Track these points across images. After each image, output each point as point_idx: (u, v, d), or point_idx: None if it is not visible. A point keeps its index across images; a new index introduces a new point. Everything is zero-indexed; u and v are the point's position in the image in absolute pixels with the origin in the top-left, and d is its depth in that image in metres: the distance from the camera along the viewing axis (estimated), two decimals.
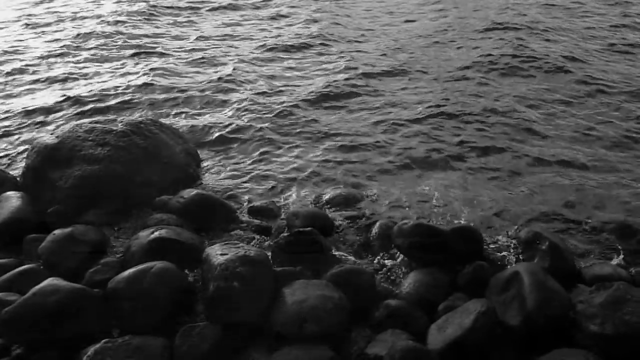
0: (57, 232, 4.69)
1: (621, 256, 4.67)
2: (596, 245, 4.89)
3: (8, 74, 9.63)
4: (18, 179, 5.81)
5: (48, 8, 14.06)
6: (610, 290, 3.78)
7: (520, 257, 4.49)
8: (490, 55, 9.56)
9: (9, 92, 8.87)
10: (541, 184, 5.86)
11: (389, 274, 4.53)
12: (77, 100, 8.35)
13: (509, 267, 4.19)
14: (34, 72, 9.74)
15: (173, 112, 7.89)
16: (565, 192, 5.71)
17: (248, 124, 7.43)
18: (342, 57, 9.82)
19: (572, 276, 4.27)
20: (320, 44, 10.64)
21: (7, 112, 8.10)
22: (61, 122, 7.54)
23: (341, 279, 4.16)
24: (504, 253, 4.61)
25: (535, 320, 3.69)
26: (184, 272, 4.27)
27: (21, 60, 10.30)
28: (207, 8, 13.65)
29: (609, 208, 5.40)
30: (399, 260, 4.61)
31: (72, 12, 13.54)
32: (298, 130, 7.26)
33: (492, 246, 4.77)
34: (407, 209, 5.47)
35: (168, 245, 4.46)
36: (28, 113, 8.04)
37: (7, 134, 7.42)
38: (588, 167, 6.16)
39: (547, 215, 5.30)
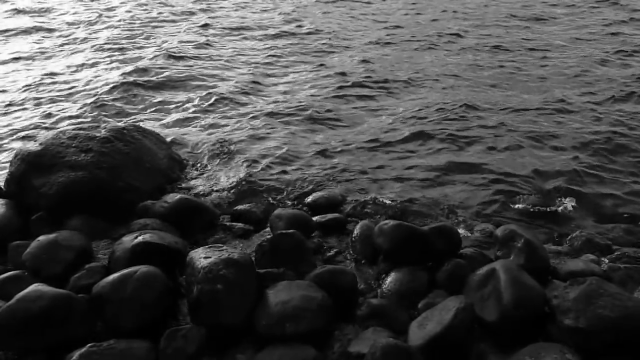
0: (41, 238, 4.70)
1: (594, 252, 4.80)
2: (570, 241, 5.01)
3: None
4: (2, 186, 5.81)
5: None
6: (583, 285, 3.87)
7: (497, 254, 4.59)
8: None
9: None
10: (517, 184, 5.99)
11: (370, 273, 4.62)
12: (60, 106, 8.37)
13: (486, 264, 4.27)
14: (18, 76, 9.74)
15: (158, 118, 7.93)
16: (539, 190, 5.86)
17: (231, 130, 7.50)
18: (334, 68, 9.83)
19: (546, 272, 4.39)
20: (317, 56, 10.56)
21: None
22: (44, 130, 7.54)
23: (324, 280, 4.22)
24: (481, 250, 4.72)
25: (512, 315, 3.79)
26: (168, 275, 4.30)
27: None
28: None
29: (583, 206, 5.56)
30: (380, 259, 4.69)
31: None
32: (281, 134, 7.34)
33: (469, 244, 4.89)
34: (387, 210, 5.57)
35: (152, 250, 4.48)
36: (10, 119, 8.03)
37: None
38: (563, 167, 6.31)
39: (523, 213, 5.44)
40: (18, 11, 14.11)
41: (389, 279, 4.43)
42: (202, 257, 4.18)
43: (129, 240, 4.60)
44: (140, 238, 4.57)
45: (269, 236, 4.84)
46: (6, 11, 14.14)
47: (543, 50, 10.43)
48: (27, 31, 12.49)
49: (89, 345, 3.71)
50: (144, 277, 4.08)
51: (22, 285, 4.09)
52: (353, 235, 4.99)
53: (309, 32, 12.03)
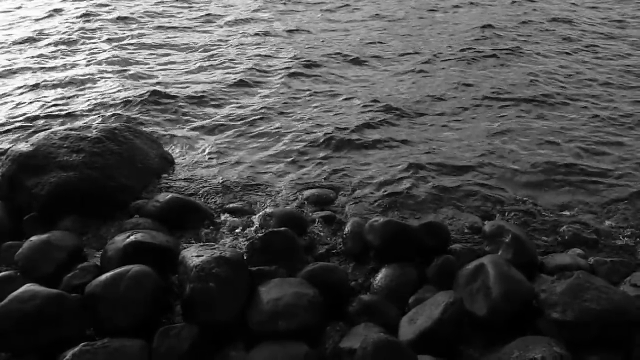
0: (33, 238, 4.71)
1: (581, 246, 4.87)
2: (557, 236, 5.08)
3: None
4: None
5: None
6: (570, 279, 3.95)
7: (485, 250, 4.65)
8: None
9: None
10: (504, 180, 6.07)
11: (361, 269, 4.67)
12: (52, 107, 8.35)
13: (474, 259, 4.32)
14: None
15: (150, 118, 7.91)
16: (527, 186, 5.94)
17: (225, 129, 7.51)
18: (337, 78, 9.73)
19: (534, 266, 4.46)
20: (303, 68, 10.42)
21: None
22: (35, 130, 7.51)
23: (315, 276, 4.27)
24: (470, 246, 4.78)
25: (500, 309, 3.86)
26: (160, 274, 4.32)
27: None
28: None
29: (569, 201, 5.63)
30: (370, 256, 4.75)
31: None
32: (272, 134, 7.35)
33: (458, 240, 4.94)
34: (377, 207, 5.61)
35: (144, 249, 4.50)
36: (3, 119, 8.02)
37: None
38: (549, 163, 6.36)
39: (511, 209, 5.49)
40: (21, 18, 13.95)
41: (379, 275, 4.49)
42: (194, 255, 4.22)
43: (121, 239, 4.62)
44: (132, 237, 4.59)
45: (260, 234, 4.87)
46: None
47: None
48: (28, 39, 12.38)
49: (82, 344, 3.73)
50: (136, 276, 4.10)
51: (15, 286, 4.11)
52: (344, 232, 5.03)
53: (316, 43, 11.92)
